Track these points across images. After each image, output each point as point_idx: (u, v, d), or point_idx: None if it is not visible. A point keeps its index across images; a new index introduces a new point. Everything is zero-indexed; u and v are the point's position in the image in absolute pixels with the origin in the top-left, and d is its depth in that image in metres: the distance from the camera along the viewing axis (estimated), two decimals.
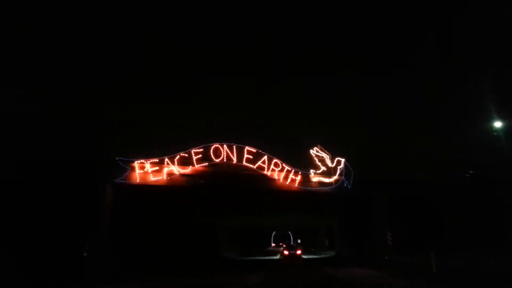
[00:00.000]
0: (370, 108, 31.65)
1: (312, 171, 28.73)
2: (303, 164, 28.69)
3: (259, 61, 26.59)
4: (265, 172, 27.09)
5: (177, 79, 26.39)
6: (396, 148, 30.90)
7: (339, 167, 29.80)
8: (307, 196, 28.56)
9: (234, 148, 26.53)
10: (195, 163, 25.13)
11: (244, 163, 26.56)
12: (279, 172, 27.51)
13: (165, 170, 24.26)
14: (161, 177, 24.05)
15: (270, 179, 27.30)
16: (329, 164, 29.53)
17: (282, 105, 28.86)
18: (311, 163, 29.13)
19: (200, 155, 25.46)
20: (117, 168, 23.01)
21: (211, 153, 25.83)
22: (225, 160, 26.13)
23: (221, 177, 25.77)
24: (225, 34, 25.65)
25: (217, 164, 25.92)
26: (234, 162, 26.36)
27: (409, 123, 31.42)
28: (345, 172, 29.96)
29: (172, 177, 24.37)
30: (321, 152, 29.61)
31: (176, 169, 24.53)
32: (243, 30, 24.28)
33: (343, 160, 29.99)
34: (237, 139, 26.86)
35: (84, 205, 21.20)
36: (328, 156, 29.67)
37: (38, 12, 18.07)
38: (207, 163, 25.50)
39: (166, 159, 24.35)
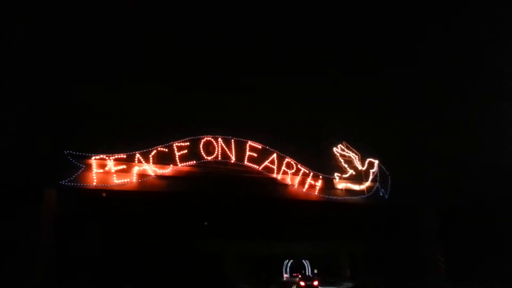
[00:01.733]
0: (407, 99, 24.72)
1: (336, 174, 21.64)
2: (324, 166, 21.69)
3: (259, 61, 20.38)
4: (275, 175, 20.09)
5: (177, 79, 19.71)
6: (450, 149, 23.82)
7: (371, 171, 22.69)
8: (331, 208, 21.27)
9: (233, 142, 19.68)
10: (178, 161, 18.26)
11: (246, 162, 19.63)
12: (293, 176, 20.47)
13: (136, 169, 17.40)
14: (129, 180, 17.15)
15: (281, 185, 20.27)
16: (359, 167, 22.43)
17: (294, 94, 21.96)
18: (335, 164, 22.07)
19: (186, 151, 18.61)
20: (65, 165, 16.20)
21: (201, 149, 18.98)
22: (220, 158, 19.23)
23: (213, 181, 18.81)
24: (225, 34, 20.02)
25: (209, 163, 19.02)
26: (232, 161, 19.45)
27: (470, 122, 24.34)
28: (380, 177, 22.81)
29: (146, 179, 17.48)
30: (347, 151, 22.57)
31: (151, 169, 17.66)
32: (243, 30, 18.80)
33: (376, 162, 22.95)
34: (237, 132, 20.03)
35: (10, 220, 14.44)
36: (357, 157, 22.62)
37: (37, 12, 15.98)
38: (195, 162, 18.62)
39: (138, 155, 17.52)
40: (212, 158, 19.05)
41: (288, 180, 20.31)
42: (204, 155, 18.92)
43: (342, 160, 22.21)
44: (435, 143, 23.49)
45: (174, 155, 18.24)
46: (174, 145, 18.42)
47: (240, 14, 19.54)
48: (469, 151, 23.96)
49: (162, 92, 18.93)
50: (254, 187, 19.54)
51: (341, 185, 21.61)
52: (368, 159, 22.78)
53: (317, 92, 21.76)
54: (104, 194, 16.52)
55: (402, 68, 22.02)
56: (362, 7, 19.74)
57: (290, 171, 20.46)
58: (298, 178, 20.50)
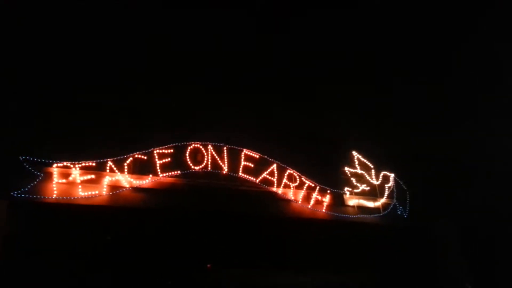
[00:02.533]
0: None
1: (347, 189, 18.56)
2: (333, 179, 18.66)
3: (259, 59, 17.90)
4: (275, 188, 17.07)
5: (160, 76, 16.97)
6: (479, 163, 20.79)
7: (387, 186, 19.64)
8: (342, 228, 18.05)
9: (225, 150, 16.80)
10: (159, 170, 15.33)
11: (240, 174, 16.66)
12: (296, 190, 17.43)
13: (107, 180, 14.45)
14: (97, 192, 14.18)
15: (282, 201, 17.20)
16: (372, 181, 19.37)
17: (296, 97, 19.21)
18: (345, 178, 19.02)
19: (169, 159, 15.72)
20: (20, 174, 13.28)
21: (187, 157, 16.09)
22: (210, 169, 16.29)
23: (201, 196, 15.81)
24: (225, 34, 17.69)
25: (196, 174, 16.08)
26: (224, 172, 16.49)
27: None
28: (397, 193, 19.71)
29: (119, 192, 14.51)
30: (359, 162, 19.57)
31: (125, 180, 14.71)
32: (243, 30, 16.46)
33: (392, 175, 19.92)
34: (231, 139, 17.20)
35: None
36: (370, 169, 19.59)
37: (37, 11, 14.43)
38: (179, 172, 15.68)
39: (110, 163, 14.63)
40: (200, 168, 16.13)
41: (290, 194, 17.25)
42: (190, 165, 16.00)
43: (353, 173, 19.17)
44: (463, 155, 20.43)
45: (154, 163, 15.33)
46: (155, 152, 15.54)
47: (240, 14, 16.86)
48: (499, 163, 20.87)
49: (141, 90, 16.10)
50: (250, 203, 16.50)
51: (352, 201, 18.51)
52: (383, 172, 19.75)
53: (323, 96, 18.84)
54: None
55: (425, 71, 19.18)
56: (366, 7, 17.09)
57: (293, 184, 17.45)
58: (302, 193, 17.46)
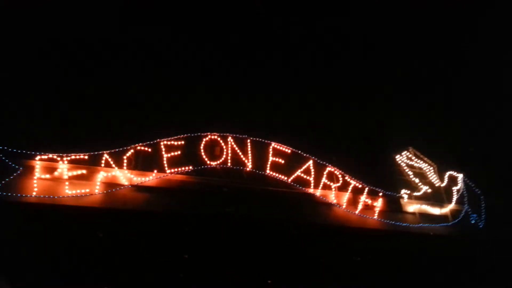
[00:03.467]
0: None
1: (404, 192, 14.75)
2: (385, 179, 14.94)
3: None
4: (311, 190, 13.65)
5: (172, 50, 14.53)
6: None
7: (454, 189, 15.60)
8: (399, 239, 14.12)
9: (249, 144, 13.66)
10: (166, 166, 12.44)
11: (268, 171, 13.42)
12: (338, 192, 13.90)
13: (101, 176, 11.74)
14: (89, 190, 11.48)
15: (321, 205, 13.72)
16: (436, 182, 15.46)
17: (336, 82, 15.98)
18: (401, 178, 15.27)
19: (179, 152, 12.83)
20: None
21: (202, 150, 13.12)
22: (230, 165, 13.20)
23: (219, 198, 12.69)
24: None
25: (213, 171, 13.04)
26: (248, 169, 13.32)
27: None
28: (468, 197, 15.63)
29: (116, 190, 11.73)
30: (417, 160, 15.79)
31: (124, 176, 11.94)
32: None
33: (460, 176, 15.88)
34: (256, 130, 14.09)
35: None
36: (432, 168, 15.73)
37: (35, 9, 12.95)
38: (191, 168, 12.69)
39: (106, 156, 11.96)
40: (217, 164, 13.08)
41: (332, 197, 13.75)
42: (206, 160, 13.01)
43: (411, 173, 15.40)
44: None
45: (160, 157, 12.49)
46: (162, 143, 12.73)
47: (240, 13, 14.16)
48: None
49: (147, 68, 13.50)
50: (280, 206, 13.15)
51: (412, 207, 14.69)
52: (448, 173, 15.80)
53: (369, 80, 15.47)
54: None
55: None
56: None
57: (334, 185, 13.95)
58: (346, 195, 13.90)
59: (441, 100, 17.46)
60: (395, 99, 16.46)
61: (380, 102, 16.26)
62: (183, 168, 12.61)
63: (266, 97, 14.95)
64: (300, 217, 13.30)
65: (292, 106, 15.72)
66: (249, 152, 13.56)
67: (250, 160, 13.46)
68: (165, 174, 12.37)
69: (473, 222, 15.21)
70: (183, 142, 13.01)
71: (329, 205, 13.66)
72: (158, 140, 12.70)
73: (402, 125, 16.17)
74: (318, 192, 13.65)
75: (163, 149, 12.64)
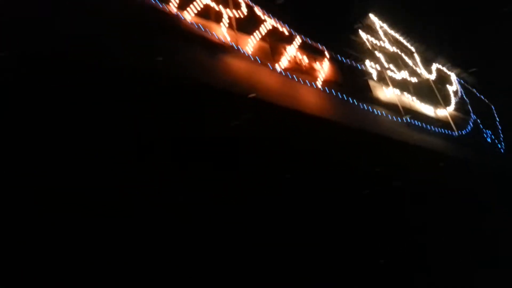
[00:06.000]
0: None
1: (371, 66, 7.53)
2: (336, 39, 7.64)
3: None
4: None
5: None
6: None
7: (450, 89, 8.79)
8: (360, 139, 6.46)
9: None
10: None
11: None
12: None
13: None
14: None
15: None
16: (418, 71, 8.56)
17: None
18: (362, 47, 8.12)
19: None
20: None
21: None
22: None
23: None
24: None
25: None
26: None
27: None
28: (472, 106, 8.88)
29: None
30: (382, 32, 8.87)
31: None
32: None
33: (452, 74, 9.24)
34: None
35: None
36: (410, 52, 8.91)
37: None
38: None
39: None
40: None
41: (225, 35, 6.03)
42: None
43: (379, 54, 8.33)
44: None
45: None
46: None
47: None
48: None
49: None
50: None
51: (388, 91, 7.44)
52: (436, 65, 9.10)
53: None
54: None
55: None
56: None
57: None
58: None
59: None
60: None
61: None
62: None
63: None
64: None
65: None
66: None
67: None
68: None
69: (489, 140, 8.32)
70: None
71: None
72: None
73: None
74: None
75: None
